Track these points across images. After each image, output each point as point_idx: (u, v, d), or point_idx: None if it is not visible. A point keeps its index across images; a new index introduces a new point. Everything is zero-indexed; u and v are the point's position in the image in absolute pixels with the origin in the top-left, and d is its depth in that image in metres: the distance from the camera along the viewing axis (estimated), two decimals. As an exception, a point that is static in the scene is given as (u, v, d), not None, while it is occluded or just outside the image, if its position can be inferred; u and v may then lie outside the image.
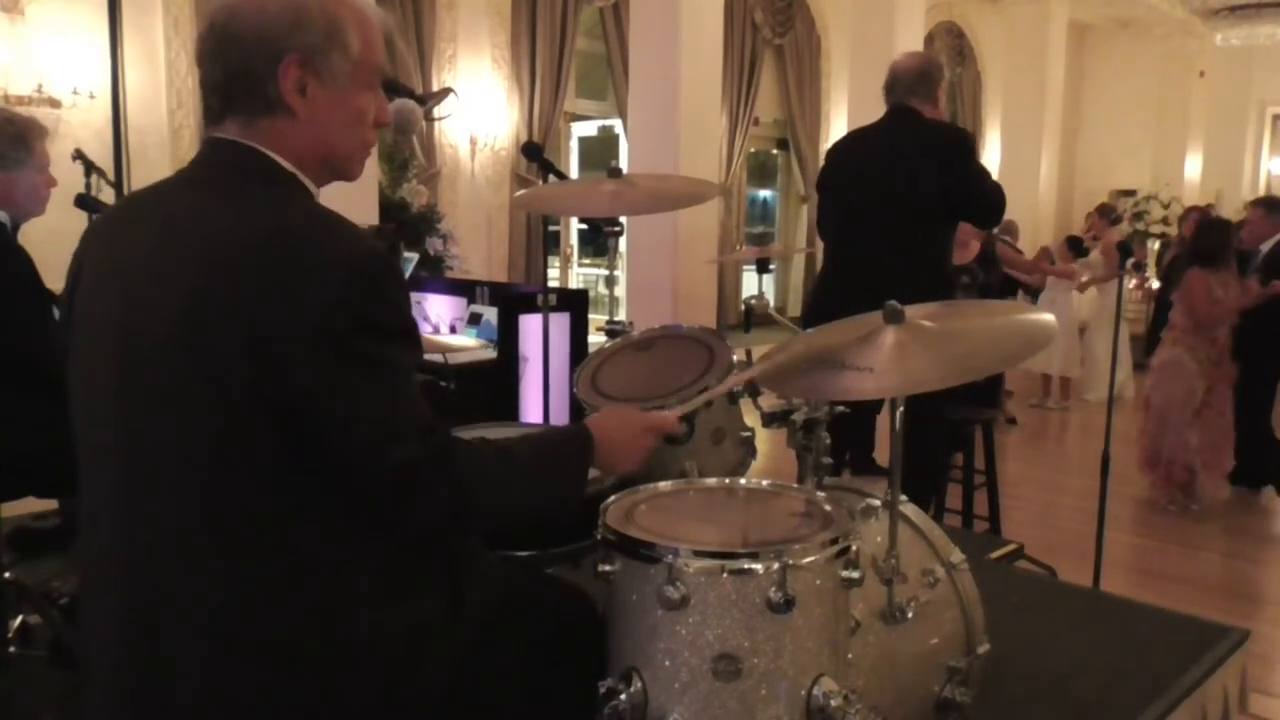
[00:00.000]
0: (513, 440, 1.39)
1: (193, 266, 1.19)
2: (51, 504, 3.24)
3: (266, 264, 1.16)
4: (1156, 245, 11.26)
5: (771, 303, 2.20)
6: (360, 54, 1.31)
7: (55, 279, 2.50)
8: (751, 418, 1.97)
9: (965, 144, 3.53)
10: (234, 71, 1.26)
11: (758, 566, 1.30)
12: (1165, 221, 11.42)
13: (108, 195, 3.62)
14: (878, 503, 1.78)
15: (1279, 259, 5.34)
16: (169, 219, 1.26)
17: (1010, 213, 8.51)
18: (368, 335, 1.18)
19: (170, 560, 1.20)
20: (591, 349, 2.94)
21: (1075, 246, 7.98)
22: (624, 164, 3.52)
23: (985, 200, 3.44)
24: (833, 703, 1.31)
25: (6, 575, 2.60)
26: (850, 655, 1.45)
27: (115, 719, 1.24)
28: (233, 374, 1.15)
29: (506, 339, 4.69)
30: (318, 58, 1.28)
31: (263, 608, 1.19)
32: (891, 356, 1.53)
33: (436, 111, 2.48)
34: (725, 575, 1.30)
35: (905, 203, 3.39)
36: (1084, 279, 7.70)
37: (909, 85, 3.51)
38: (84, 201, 3.39)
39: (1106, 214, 8.31)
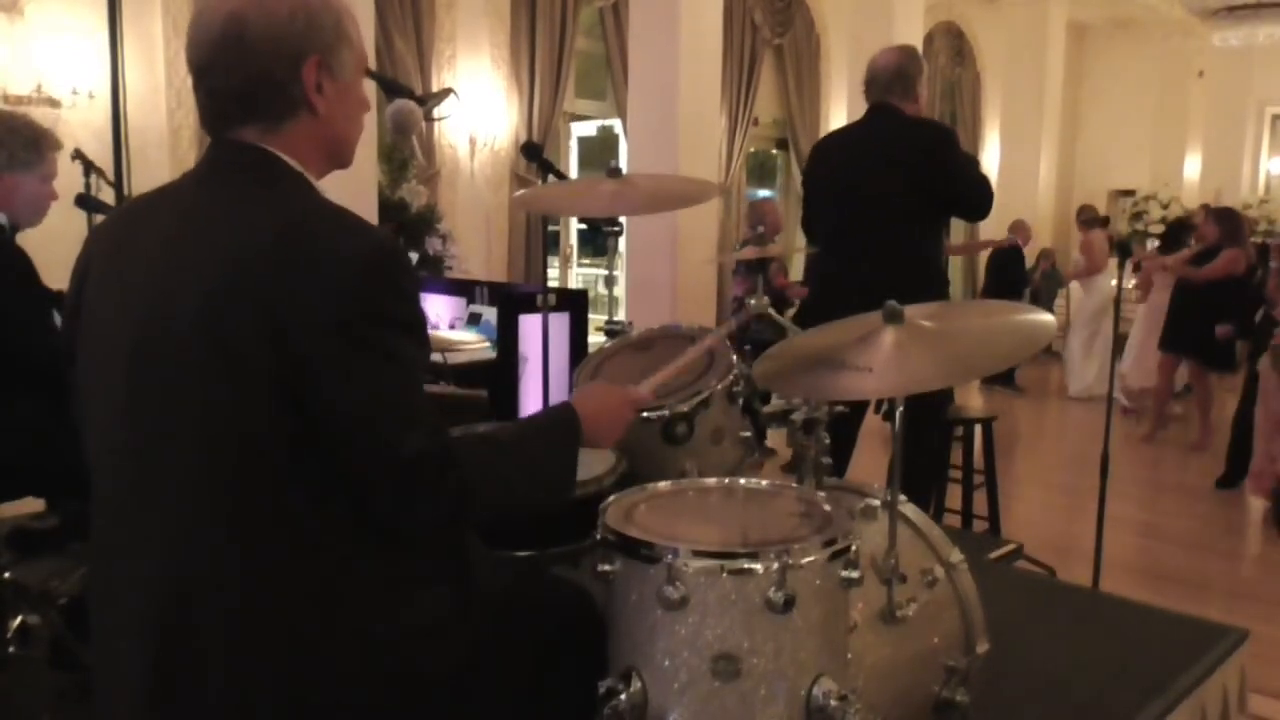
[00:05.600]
0: (499, 430, 1.40)
1: (210, 264, 1.20)
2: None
3: (284, 258, 1.18)
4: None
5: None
6: (358, 44, 1.35)
7: (54, 279, 2.50)
8: (750, 418, 1.97)
9: (946, 138, 3.47)
10: (255, 78, 1.27)
11: (757, 566, 1.30)
12: (1164, 221, 11.41)
13: (107, 195, 3.61)
14: (877, 503, 1.78)
15: None
16: (182, 219, 1.27)
17: (1009, 212, 8.57)
18: (382, 326, 1.20)
19: (191, 554, 1.20)
20: (591, 349, 2.94)
21: None
22: (623, 164, 3.53)
23: (971, 195, 3.39)
24: (832, 703, 1.31)
25: (5, 575, 2.60)
26: (849, 655, 1.46)
27: (146, 712, 1.24)
28: (253, 368, 1.16)
29: (506, 339, 4.68)
30: (332, 56, 1.30)
31: (280, 599, 1.20)
32: (890, 356, 1.53)
33: (436, 112, 2.47)
34: (725, 575, 1.30)
35: (889, 202, 3.34)
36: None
37: (886, 83, 3.46)
38: (84, 201, 3.39)
39: (1088, 218, 8.63)
